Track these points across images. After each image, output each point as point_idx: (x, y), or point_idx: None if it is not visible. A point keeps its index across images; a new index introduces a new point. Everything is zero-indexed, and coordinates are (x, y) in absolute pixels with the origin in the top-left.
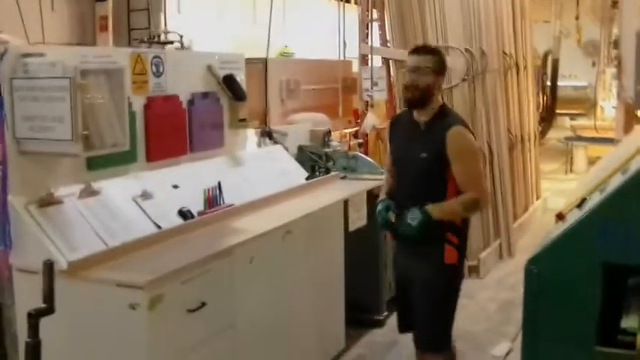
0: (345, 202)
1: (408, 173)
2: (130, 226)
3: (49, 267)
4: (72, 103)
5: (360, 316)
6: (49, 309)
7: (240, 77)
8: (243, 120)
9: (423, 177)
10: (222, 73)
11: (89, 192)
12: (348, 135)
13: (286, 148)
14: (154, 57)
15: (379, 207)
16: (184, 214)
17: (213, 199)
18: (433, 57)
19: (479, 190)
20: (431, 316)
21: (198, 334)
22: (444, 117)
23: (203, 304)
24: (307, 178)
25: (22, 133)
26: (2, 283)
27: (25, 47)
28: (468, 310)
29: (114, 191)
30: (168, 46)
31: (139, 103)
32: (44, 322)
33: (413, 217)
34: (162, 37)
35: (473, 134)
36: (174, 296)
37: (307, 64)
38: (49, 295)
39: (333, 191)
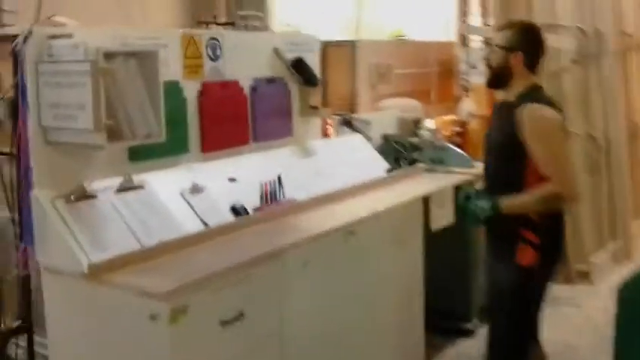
0: (427, 198)
1: (488, 159)
2: (172, 223)
3: (23, 281)
4: (93, 90)
5: (445, 324)
6: (23, 328)
7: (313, 60)
8: (315, 107)
9: (498, 163)
10: (291, 57)
11: (129, 186)
12: (448, 123)
13: (369, 138)
14: (210, 39)
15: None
16: (237, 210)
17: (271, 194)
18: (506, 32)
19: (559, 178)
20: (493, 321)
21: (233, 348)
22: (526, 96)
23: (241, 315)
24: (388, 171)
25: (47, 122)
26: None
27: (52, 29)
28: (572, 320)
29: (159, 185)
30: (229, 28)
31: (192, 89)
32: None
33: (481, 207)
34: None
35: (561, 114)
36: (203, 307)
37: (402, 46)
38: (26, 312)
39: (414, 185)
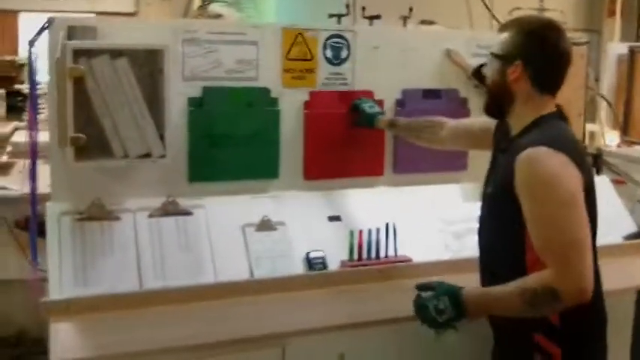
0: None
1: (480, 219)
2: (204, 265)
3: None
4: (59, 94)
5: None
6: None
7: None
8: None
9: (490, 227)
10: (474, 63)
11: (170, 210)
12: None
13: (637, 183)
14: (331, 37)
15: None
16: (312, 262)
17: (370, 247)
18: (505, 35)
19: (559, 266)
20: None
21: None
22: (529, 132)
23: None
24: (630, 238)
25: None
26: None
27: (74, 19)
28: None
29: (220, 214)
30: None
31: (293, 100)
32: None
33: (439, 307)
34: None
35: (584, 165)
36: None
37: None
38: None
39: None
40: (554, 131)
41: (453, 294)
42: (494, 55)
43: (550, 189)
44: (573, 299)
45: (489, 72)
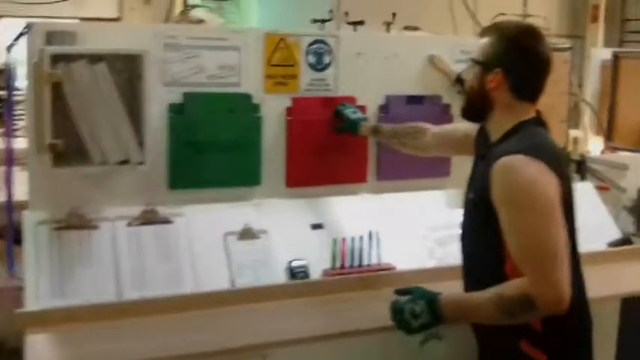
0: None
1: (462, 224)
2: (183, 275)
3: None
4: (35, 100)
5: None
6: None
7: None
8: None
9: (471, 233)
10: (457, 69)
11: (150, 219)
12: None
13: (621, 190)
14: (314, 42)
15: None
16: (294, 270)
17: (353, 255)
18: (485, 41)
19: (537, 275)
20: None
21: None
22: (507, 139)
23: None
24: (613, 244)
25: None
26: None
27: (53, 24)
28: None
29: (201, 222)
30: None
31: (275, 106)
32: None
33: (415, 311)
34: None
35: (565, 174)
36: None
37: None
38: None
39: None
40: (533, 138)
41: (430, 299)
42: (474, 62)
43: (527, 197)
44: (549, 308)
45: (469, 77)
